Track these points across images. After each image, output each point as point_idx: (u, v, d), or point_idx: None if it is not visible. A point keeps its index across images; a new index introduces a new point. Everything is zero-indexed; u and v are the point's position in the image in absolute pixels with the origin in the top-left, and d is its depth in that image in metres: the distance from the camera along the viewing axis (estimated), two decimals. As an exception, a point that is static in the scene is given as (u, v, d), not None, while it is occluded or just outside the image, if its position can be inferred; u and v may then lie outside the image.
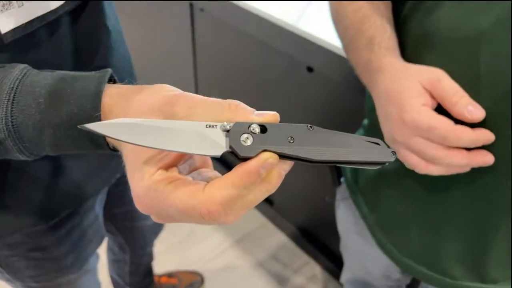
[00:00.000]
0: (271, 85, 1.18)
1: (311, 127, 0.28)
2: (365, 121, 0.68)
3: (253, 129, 0.26)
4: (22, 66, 0.32)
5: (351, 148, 0.28)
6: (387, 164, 0.28)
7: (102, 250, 0.98)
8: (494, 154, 0.44)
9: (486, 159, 0.44)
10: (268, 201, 1.48)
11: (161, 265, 1.30)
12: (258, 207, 1.54)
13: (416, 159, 0.45)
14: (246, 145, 0.26)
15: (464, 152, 0.44)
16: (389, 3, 0.56)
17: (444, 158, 0.43)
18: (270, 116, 0.28)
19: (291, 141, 0.27)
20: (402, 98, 0.44)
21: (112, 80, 0.32)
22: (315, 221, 1.35)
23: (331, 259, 1.32)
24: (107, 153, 0.32)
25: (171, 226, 1.45)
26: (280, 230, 1.49)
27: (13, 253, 0.59)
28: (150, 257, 1.05)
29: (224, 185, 0.25)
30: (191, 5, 1.30)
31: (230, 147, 0.26)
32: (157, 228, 0.96)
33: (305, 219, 1.39)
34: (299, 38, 0.97)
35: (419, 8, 0.50)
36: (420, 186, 0.53)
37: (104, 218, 0.81)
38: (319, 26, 0.96)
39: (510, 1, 0.41)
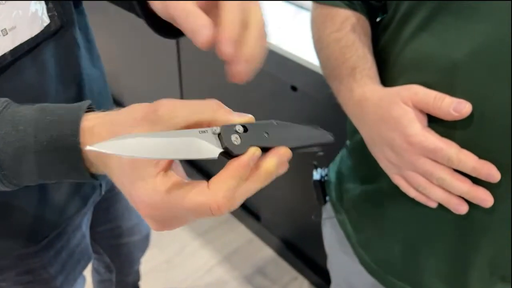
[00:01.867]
0: (256, 104, 1.19)
1: (276, 122, 0.33)
2: (348, 142, 0.70)
3: (238, 129, 0.30)
4: (3, 99, 0.33)
5: (303, 134, 0.35)
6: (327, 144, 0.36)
7: (87, 272, 0.97)
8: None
9: (487, 198, 0.45)
10: (255, 216, 1.49)
11: (148, 284, 1.29)
12: (245, 222, 1.54)
13: (422, 180, 0.47)
14: (237, 144, 0.30)
15: (468, 180, 0.45)
16: (369, 32, 0.58)
17: (449, 179, 0.45)
18: (249, 118, 0.32)
19: (267, 136, 0.32)
20: (403, 123, 0.46)
21: (91, 109, 0.33)
22: (302, 236, 1.36)
23: (319, 274, 1.33)
24: (85, 180, 0.33)
25: (158, 244, 1.44)
26: (267, 245, 1.49)
27: (2, 277, 0.59)
28: (136, 275, 1.04)
29: (225, 179, 0.29)
30: (176, 24, 1.32)
31: (225, 147, 0.29)
32: (143, 244, 0.95)
33: (292, 234, 1.40)
34: (283, 58, 0.99)
35: (398, 37, 0.52)
36: (402, 206, 0.55)
37: (90, 238, 0.81)
38: (302, 45, 0.98)
39: (483, 35, 0.43)
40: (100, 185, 0.66)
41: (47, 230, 0.58)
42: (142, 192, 0.29)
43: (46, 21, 0.46)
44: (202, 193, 0.28)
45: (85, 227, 0.68)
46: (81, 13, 0.58)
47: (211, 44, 0.35)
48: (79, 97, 0.55)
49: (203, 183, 0.29)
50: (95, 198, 0.66)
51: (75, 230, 0.64)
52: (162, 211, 0.30)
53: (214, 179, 0.29)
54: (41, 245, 0.58)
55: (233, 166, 0.29)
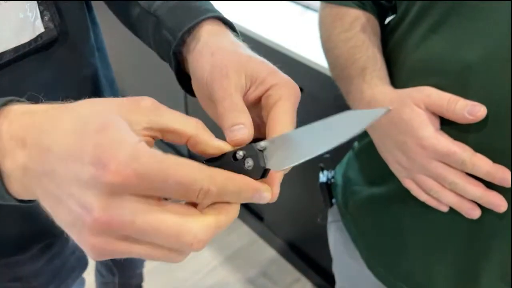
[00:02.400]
0: (262, 103, 1.18)
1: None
2: (356, 144, 0.69)
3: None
4: None
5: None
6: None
7: (89, 273, 0.96)
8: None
9: (501, 203, 0.44)
10: (259, 217, 1.48)
11: (151, 285, 1.28)
12: (248, 223, 1.54)
13: (434, 184, 0.46)
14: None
15: (481, 184, 0.44)
16: (379, 32, 0.57)
17: (462, 183, 0.44)
18: (228, 148, 0.29)
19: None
20: (414, 127, 0.45)
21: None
22: (305, 237, 1.35)
23: (322, 275, 1.32)
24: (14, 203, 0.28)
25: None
26: (270, 246, 1.48)
27: None
28: (139, 278, 1.03)
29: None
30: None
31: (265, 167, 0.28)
32: None
33: (295, 235, 1.39)
34: (289, 58, 0.99)
35: (407, 39, 0.51)
36: (411, 210, 0.54)
37: None
38: (309, 46, 0.97)
39: (496, 36, 0.42)
40: None
41: (38, 238, 0.56)
42: (123, 149, 0.22)
43: (39, 30, 0.43)
44: (200, 169, 0.24)
45: None
46: (92, 22, 0.56)
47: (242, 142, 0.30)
48: None
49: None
50: None
51: (69, 238, 0.62)
52: (145, 175, 0.22)
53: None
54: (30, 253, 0.56)
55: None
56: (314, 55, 0.95)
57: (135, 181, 0.22)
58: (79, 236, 0.24)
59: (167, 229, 0.23)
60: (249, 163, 0.28)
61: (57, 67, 0.48)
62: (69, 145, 0.23)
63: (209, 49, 0.35)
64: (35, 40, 0.43)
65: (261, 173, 0.28)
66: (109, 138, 0.22)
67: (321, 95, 0.99)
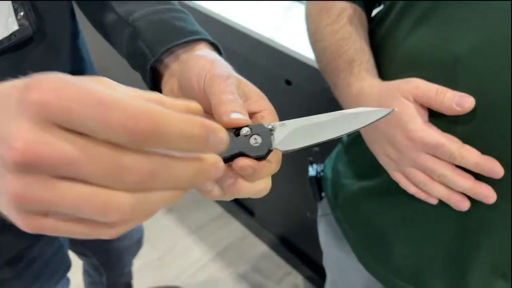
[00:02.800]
0: (250, 97, 1.17)
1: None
2: (345, 137, 0.68)
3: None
4: None
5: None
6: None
7: (73, 273, 0.94)
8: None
9: (490, 194, 0.43)
10: (249, 212, 1.48)
11: (141, 282, 1.27)
12: (239, 218, 1.53)
13: (423, 176, 0.46)
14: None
15: (471, 176, 0.44)
16: (366, 24, 0.56)
17: (451, 176, 0.44)
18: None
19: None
20: (403, 119, 0.44)
21: None
22: (296, 231, 1.35)
23: (313, 268, 1.32)
24: None
25: (150, 241, 1.42)
26: (261, 240, 1.48)
27: None
28: (128, 276, 1.02)
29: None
30: (167, 17, 1.29)
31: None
32: (135, 248, 0.93)
33: (286, 229, 1.39)
34: (277, 51, 0.98)
35: (395, 31, 0.51)
36: (401, 203, 0.54)
37: (76, 241, 0.78)
38: (296, 39, 0.97)
39: (485, 28, 0.42)
40: None
41: (17, 242, 0.55)
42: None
43: (13, 28, 0.42)
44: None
45: (62, 237, 0.65)
46: (75, 29, 0.54)
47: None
48: None
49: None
50: None
51: (50, 241, 0.61)
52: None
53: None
54: (7, 257, 0.55)
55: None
56: (302, 47, 0.94)
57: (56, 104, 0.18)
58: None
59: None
60: (257, 140, 0.28)
61: (33, 69, 0.46)
62: None
63: (209, 57, 0.34)
64: (8, 38, 0.42)
65: (267, 152, 0.28)
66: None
67: (309, 88, 0.98)
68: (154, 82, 0.40)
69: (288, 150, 0.29)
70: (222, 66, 0.33)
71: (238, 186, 0.28)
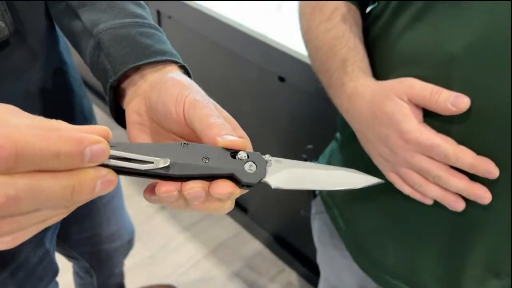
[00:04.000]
0: (243, 95, 1.17)
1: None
2: (338, 135, 0.68)
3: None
4: None
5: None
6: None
7: (62, 274, 0.93)
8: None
9: (485, 194, 0.43)
10: (243, 208, 1.47)
11: (133, 281, 1.26)
12: (232, 215, 1.53)
13: (418, 177, 0.45)
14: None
15: (465, 177, 0.44)
16: (360, 22, 0.56)
17: (446, 176, 0.43)
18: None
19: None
20: (397, 120, 0.44)
21: None
22: (289, 228, 1.35)
23: (306, 265, 1.32)
24: None
25: (141, 239, 1.41)
26: (255, 237, 1.48)
27: None
28: (119, 277, 1.01)
29: None
30: (158, 12, 1.27)
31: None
32: (125, 249, 0.92)
33: (279, 226, 1.39)
34: (270, 48, 0.97)
35: (390, 29, 0.50)
36: (396, 202, 0.54)
37: (64, 244, 0.77)
38: (290, 35, 0.96)
39: (481, 26, 0.41)
40: None
41: (0, 252, 0.53)
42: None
43: None
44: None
45: (48, 243, 0.63)
46: (55, 39, 0.53)
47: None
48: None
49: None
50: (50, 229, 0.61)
51: (36, 248, 0.59)
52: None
53: None
54: None
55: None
56: (296, 44, 0.93)
57: None
58: None
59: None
60: (252, 167, 0.28)
61: (11, 73, 0.44)
62: None
63: (184, 81, 0.34)
64: None
65: (258, 182, 0.28)
66: None
67: (303, 85, 0.97)
68: (115, 97, 0.39)
69: (278, 188, 0.29)
70: (199, 91, 0.33)
71: (206, 205, 0.29)
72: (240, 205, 1.48)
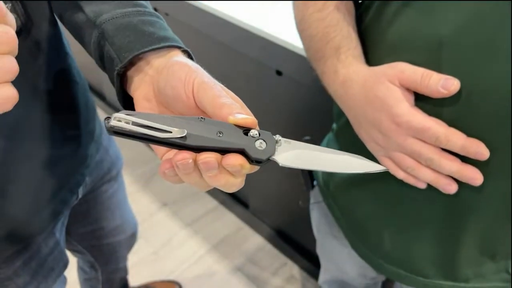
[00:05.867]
0: (240, 89, 1.17)
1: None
2: (334, 125, 0.68)
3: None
4: None
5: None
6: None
7: (74, 270, 0.94)
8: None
9: (476, 176, 0.44)
10: (244, 204, 1.48)
11: (136, 277, 1.27)
12: (234, 210, 1.53)
13: (411, 161, 0.46)
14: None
15: (457, 159, 0.44)
16: (353, 11, 0.56)
17: (438, 159, 0.44)
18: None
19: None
20: (389, 104, 0.44)
21: None
22: (291, 222, 1.35)
23: (308, 258, 1.33)
24: None
25: (144, 235, 1.42)
26: (256, 232, 1.49)
27: None
28: (123, 272, 1.02)
29: None
30: (155, 10, 1.28)
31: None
32: (129, 243, 0.93)
33: (281, 220, 1.39)
34: (268, 42, 0.97)
35: (380, 16, 0.50)
36: (390, 188, 0.54)
37: (70, 238, 0.78)
38: (287, 29, 0.96)
39: (470, 10, 0.42)
40: (77, 189, 0.63)
41: (13, 241, 0.54)
42: None
43: None
44: None
45: (59, 234, 0.64)
46: (59, 38, 0.54)
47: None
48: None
49: None
50: (71, 203, 0.62)
51: (47, 238, 0.60)
52: None
53: None
54: (4, 256, 0.54)
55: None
56: (293, 38, 0.94)
57: None
58: None
59: None
60: (263, 144, 0.30)
61: (19, 64, 0.46)
62: None
63: (191, 64, 0.35)
64: None
65: (267, 158, 0.30)
66: None
67: (300, 78, 0.98)
68: (122, 85, 0.40)
69: (285, 165, 0.31)
70: (205, 73, 0.35)
71: (219, 177, 0.30)
72: (241, 200, 1.49)
